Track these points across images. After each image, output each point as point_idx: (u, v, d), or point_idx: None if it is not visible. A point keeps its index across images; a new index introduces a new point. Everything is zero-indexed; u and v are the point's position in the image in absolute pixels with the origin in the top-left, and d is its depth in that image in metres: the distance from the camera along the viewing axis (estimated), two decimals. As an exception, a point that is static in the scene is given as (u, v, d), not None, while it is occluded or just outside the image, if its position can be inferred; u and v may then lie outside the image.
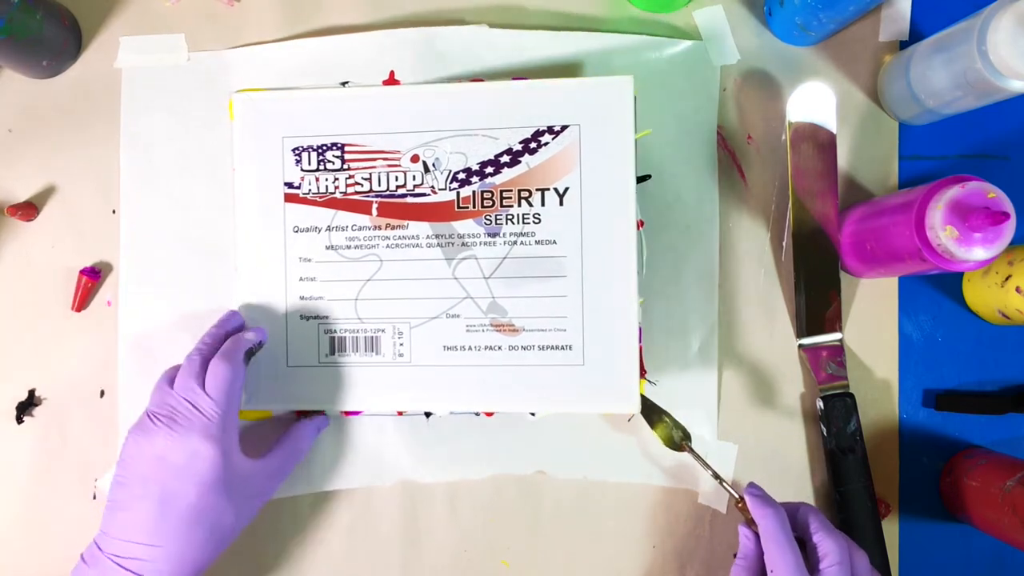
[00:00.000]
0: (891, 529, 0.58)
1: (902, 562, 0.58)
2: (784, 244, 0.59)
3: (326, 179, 0.55)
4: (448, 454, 0.58)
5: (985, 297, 0.57)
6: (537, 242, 0.54)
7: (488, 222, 0.54)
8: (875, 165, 0.59)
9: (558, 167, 0.54)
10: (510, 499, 0.58)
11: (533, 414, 0.57)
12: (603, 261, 0.53)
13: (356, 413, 0.57)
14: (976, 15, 0.48)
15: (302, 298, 0.55)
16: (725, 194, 0.59)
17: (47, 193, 0.59)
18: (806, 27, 0.56)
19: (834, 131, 0.57)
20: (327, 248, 0.55)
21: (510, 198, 0.54)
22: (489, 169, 0.54)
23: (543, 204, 0.54)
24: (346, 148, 0.55)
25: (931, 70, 0.53)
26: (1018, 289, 0.53)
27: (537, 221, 0.54)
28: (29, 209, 0.58)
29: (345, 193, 0.55)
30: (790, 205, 0.57)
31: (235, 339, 0.52)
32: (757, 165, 0.59)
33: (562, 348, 0.54)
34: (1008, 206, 0.47)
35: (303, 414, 0.56)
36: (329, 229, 0.55)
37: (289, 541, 0.58)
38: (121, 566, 0.47)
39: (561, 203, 0.54)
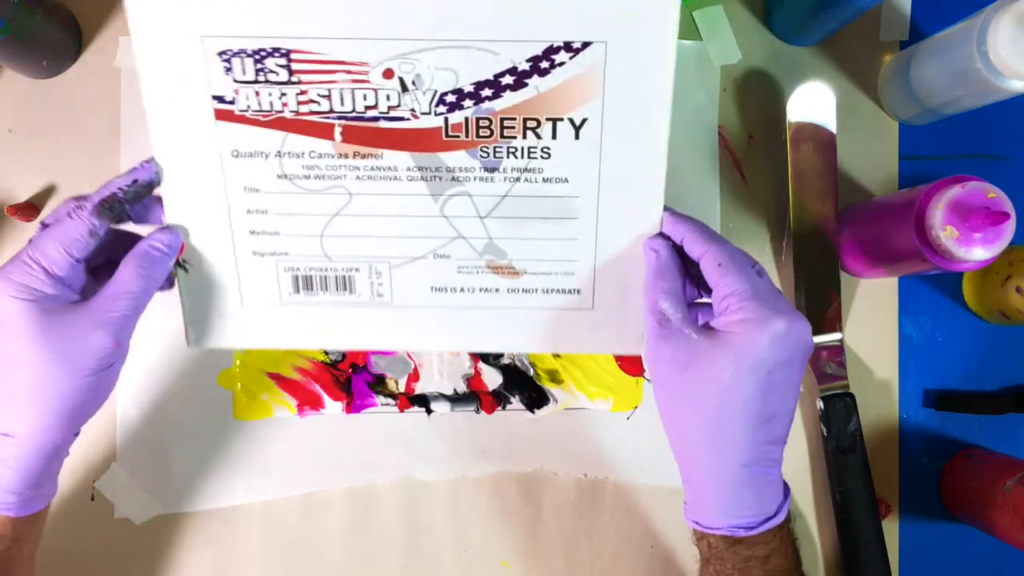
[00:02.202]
0: (891, 529, 0.58)
1: (902, 562, 0.58)
2: (784, 244, 0.59)
3: (269, 93, 0.44)
4: (448, 451, 0.58)
5: (985, 297, 0.57)
6: (545, 180, 0.45)
7: (485, 155, 0.45)
8: (875, 165, 0.59)
9: (575, 93, 0.43)
10: (510, 499, 0.58)
11: (533, 412, 0.57)
12: (624, 205, 0.45)
13: (359, 409, 0.57)
14: (976, 15, 0.48)
15: (252, 232, 0.47)
16: (726, 194, 0.59)
17: (47, 193, 0.59)
18: (806, 27, 0.56)
19: (834, 131, 0.57)
20: (279, 177, 0.45)
21: (513, 128, 0.44)
22: (486, 91, 0.44)
23: (554, 136, 0.44)
24: (292, 55, 0.43)
25: (931, 70, 0.53)
26: (1018, 289, 0.53)
27: (546, 156, 0.45)
28: (29, 209, 0.58)
29: (297, 112, 0.44)
30: (790, 205, 0.57)
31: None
32: (757, 165, 0.59)
33: (569, 292, 0.47)
34: (1008, 206, 0.47)
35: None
36: (280, 155, 0.45)
37: (288, 540, 0.57)
38: None
39: (576, 136, 0.44)
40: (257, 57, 0.43)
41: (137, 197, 0.44)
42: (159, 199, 0.46)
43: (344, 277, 0.48)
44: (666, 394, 0.43)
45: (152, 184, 0.44)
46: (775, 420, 0.41)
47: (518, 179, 0.45)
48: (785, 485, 0.43)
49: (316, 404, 0.58)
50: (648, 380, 0.57)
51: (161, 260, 0.44)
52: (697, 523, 0.44)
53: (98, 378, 0.43)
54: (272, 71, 0.43)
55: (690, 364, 0.41)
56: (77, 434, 0.45)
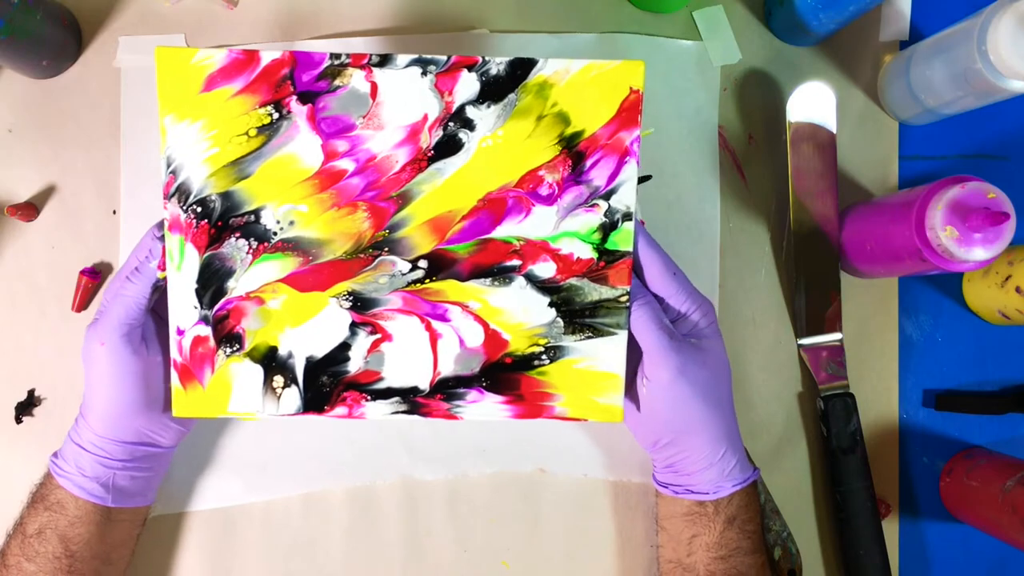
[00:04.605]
0: (891, 529, 0.58)
1: (902, 562, 0.58)
2: (784, 244, 0.59)
3: None
4: (448, 451, 0.58)
5: (985, 297, 0.57)
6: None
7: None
8: (875, 165, 0.59)
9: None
10: (510, 499, 0.58)
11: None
12: None
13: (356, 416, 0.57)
14: (976, 15, 0.48)
15: None
16: (726, 194, 0.59)
17: (47, 193, 0.59)
18: (806, 27, 0.56)
19: (834, 131, 0.57)
20: None
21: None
22: None
23: None
24: None
25: (931, 70, 0.53)
26: (1018, 289, 0.53)
27: None
28: (29, 209, 0.58)
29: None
30: (790, 205, 0.57)
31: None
32: (757, 165, 0.59)
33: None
34: (1008, 206, 0.47)
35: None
36: None
37: (288, 540, 0.57)
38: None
39: None
40: None
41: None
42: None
43: None
44: (685, 394, 0.48)
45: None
46: None
47: None
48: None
49: None
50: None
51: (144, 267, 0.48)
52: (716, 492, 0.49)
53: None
54: None
55: (705, 362, 0.48)
56: (153, 446, 0.51)
